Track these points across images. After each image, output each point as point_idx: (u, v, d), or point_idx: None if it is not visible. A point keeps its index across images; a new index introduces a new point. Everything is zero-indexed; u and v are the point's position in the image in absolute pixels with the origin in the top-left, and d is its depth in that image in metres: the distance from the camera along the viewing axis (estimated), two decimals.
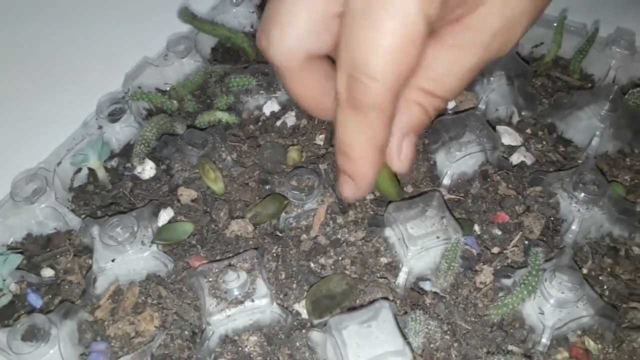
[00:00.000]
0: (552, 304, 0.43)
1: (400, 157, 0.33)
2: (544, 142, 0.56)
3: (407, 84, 0.29)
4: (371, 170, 0.31)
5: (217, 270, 0.45)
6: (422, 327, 0.41)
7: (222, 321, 0.43)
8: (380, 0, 0.26)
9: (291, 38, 0.30)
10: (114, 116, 0.58)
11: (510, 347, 0.43)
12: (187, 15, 0.66)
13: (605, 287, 0.47)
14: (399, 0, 0.26)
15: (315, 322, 0.43)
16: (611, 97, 0.54)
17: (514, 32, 0.31)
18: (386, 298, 0.43)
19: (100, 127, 0.58)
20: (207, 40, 0.68)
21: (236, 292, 0.43)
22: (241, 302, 0.43)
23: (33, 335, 0.44)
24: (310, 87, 0.33)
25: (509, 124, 0.58)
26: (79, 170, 0.57)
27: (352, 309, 0.43)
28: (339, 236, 0.49)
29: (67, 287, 0.49)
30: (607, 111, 0.54)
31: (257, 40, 0.31)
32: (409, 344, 0.40)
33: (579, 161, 0.54)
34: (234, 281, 0.43)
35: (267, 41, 0.30)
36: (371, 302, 0.42)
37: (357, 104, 0.29)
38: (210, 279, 0.44)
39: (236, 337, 0.44)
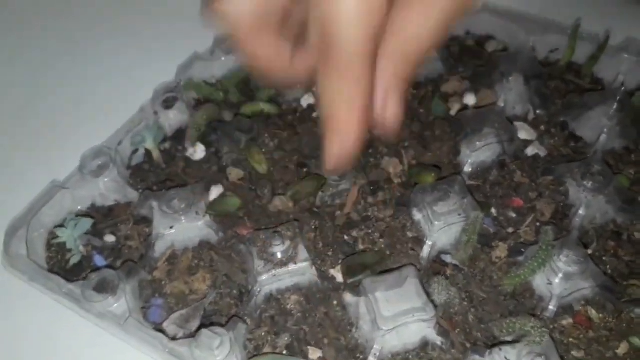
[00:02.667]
0: (560, 277, 0.49)
1: (386, 115, 0.33)
2: (557, 138, 0.62)
3: (382, 40, 0.30)
4: (357, 129, 0.32)
5: (264, 237, 0.51)
6: (444, 289, 0.47)
7: (268, 280, 0.49)
8: None
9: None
10: (168, 103, 0.65)
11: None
12: None
13: (608, 266, 0.52)
14: None
15: (349, 281, 0.49)
16: (619, 98, 0.60)
17: None
18: (412, 264, 0.49)
19: (155, 113, 0.64)
20: None
21: (280, 256, 0.49)
22: (285, 265, 0.49)
23: (103, 287, 0.50)
24: (265, 49, 0.33)
25: (525, 121, 0.63)
26: (136, 150, 0.63)
27: (382, 272, 0.49)
28: (369, 213, 0.55)
29: (127, 251, 0.56)
30: (615, 111, 0.60)
31: (208, 7, 0.32)
32: (432, 302, 0.46)
33: (588, 155, 0.60)
34: (279, 245, 0.50)
35: (220, 4, 0.31)
36: (399, 267, 0.48)
37: (333, 64, 0.29)
38: (258, 244, 0.50)
39: (279, 296, 0.50)
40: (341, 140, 0.32)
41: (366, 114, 0.32)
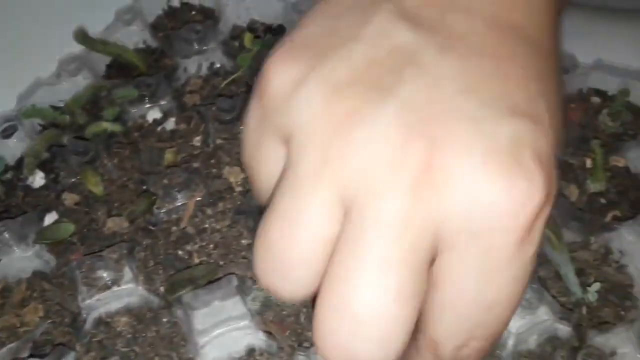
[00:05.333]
0: None
1: None
2: None
3: (420, 332, 0.28)
4: None
5: (89, 262, 0.50)
6: (263, 293, 0.48)
7: (93, 305, 0.49)
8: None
9: (302, 289, 0.31)
10: (6, 132, 0.63)
11: None
12: (81, 36, 0.71)
13: None
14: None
15: (170, 298, 0.49)
16: None
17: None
18: (238, 274, 0.50)
19: None
20: (102, 58, 0.74)
21: (105, 279, 0.49)
22: (109, 287, 0.49)
23: None
24: None
25: None
26: None
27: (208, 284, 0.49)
28: (206, 225, 0.55)
29: None
30: None
31: (260, 275, 0.31)
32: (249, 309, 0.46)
33: None
34: (101, 270, 0.49)
35: (276, 286, 0.31)
36: (219, 278, 0.49)
37: None
38: (83, 270, 0.50)
39: (109, 319, 0.50)
40: None
41: None
